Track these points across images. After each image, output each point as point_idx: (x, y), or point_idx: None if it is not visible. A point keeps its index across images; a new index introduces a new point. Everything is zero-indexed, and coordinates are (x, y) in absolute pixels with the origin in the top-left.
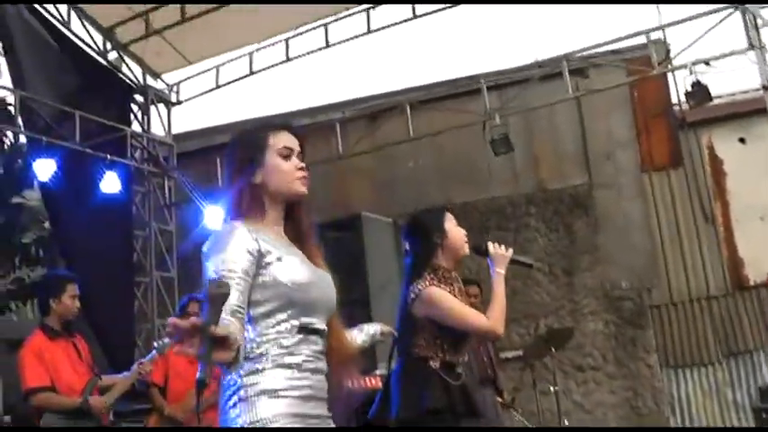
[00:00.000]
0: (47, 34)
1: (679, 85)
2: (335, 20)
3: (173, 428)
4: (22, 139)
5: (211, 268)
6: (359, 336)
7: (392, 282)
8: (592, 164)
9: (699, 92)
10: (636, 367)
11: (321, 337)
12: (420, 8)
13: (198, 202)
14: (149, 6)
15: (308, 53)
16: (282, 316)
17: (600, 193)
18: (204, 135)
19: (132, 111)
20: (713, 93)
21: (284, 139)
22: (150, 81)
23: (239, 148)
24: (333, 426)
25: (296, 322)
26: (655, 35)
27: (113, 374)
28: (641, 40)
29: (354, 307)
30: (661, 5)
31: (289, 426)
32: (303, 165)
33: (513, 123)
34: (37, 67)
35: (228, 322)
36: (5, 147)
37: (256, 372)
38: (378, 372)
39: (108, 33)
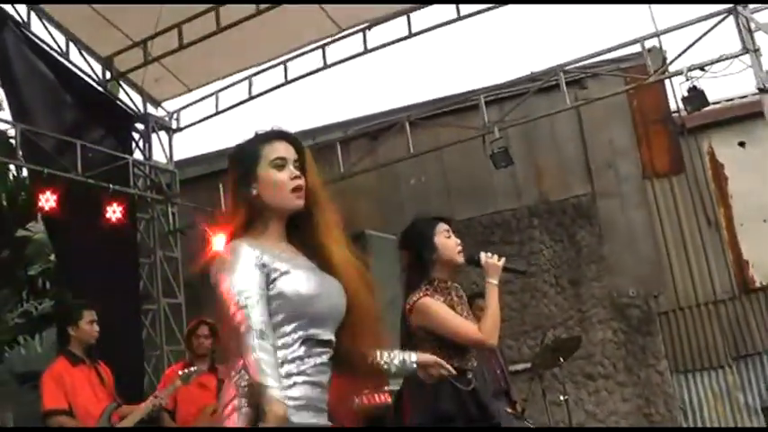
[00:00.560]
0: (44, 66)
1: (677, 92)
2: (333, 41)
3: (173, 429)
4: (25, 171)
5: (225, 293)
6: (389, 361)
7: (400, 298)
8: (594, 174)
9: (696, 97)
10: (646, 374)
11: (328, 347)
12: (416, 25)
13: (202, 228)
14: (147, 35)
15: (306, 74)
16: (288, 329)
17: (603, 202)
18: (206, 160)
19: (134, 139)
20: (712, 98)
21: (278, 149)
22: (151, 109)
23: (235, 162)
24: None
25: (301, 334)
26: (650, 43)
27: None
28: (637, 48)
29: None
30: (655, 13)
31: None
32: (298, 173)
33: (513, 137)
34: (37, 99)
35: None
36: (8, 180)
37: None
38: (387, 388)
39: (107, 62)
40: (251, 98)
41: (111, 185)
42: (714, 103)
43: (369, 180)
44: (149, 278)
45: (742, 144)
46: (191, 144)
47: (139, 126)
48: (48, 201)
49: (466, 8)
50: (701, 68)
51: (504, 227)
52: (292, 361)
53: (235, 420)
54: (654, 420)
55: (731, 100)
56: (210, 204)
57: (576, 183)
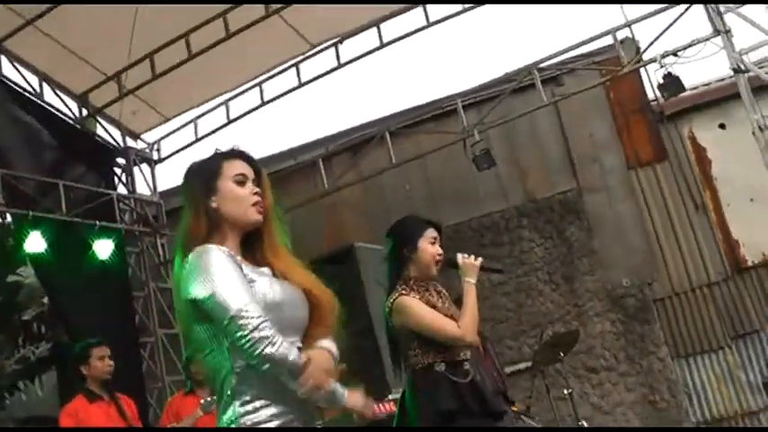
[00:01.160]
0: (19, 108)
1: (653, 80)
2: (305, 58)
3: (172, 428)
4: (9, 216)
5: (202, 293)
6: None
7: None
8: (578, 169)
9: (671, 83)
10: (648, 362)
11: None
12: (387, 35)
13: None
14: (120, 67)
15: (282, 94)
16: None
17: (589, 196)
18: None
19: (116, 174)
20: (689, 84)
21: (238, 167)
22: (130, 142)
23: (194, 176)
24: None
25: None
26: (622, 34)
27: None
28: (610, 40)
29: (359, 337)
30: (625, 5)
31: None
32: (258, 190)
33: (494, 139)
34: (14, 143)
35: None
36: None
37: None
38: (390, 397)
39: (82, 99)
40: (229, 122)
41: (97, 222)
42: (692, 89)
43: (354, 193)
44: (144, 311)
45: (722, 126)
46: (174, 173)
47: (120, 160)
48: (35, 244)
49: (435, 14)
50: (675, 54)
51: (493, 229)
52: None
53: None
54: (660, 408)
55: (708, 84)
56: None
57: (560, 179)
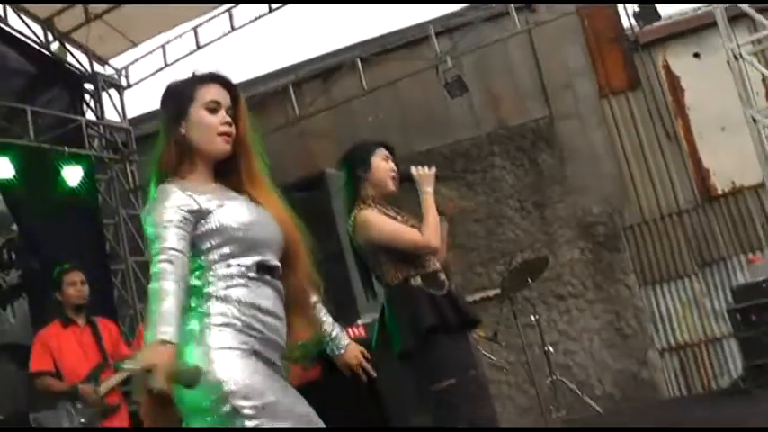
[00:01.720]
0: None
1: (629, 10)
2: None
3: (171, 428)
4: None
5: (150, 231)
6: (324, 319)
7: None
8: (550, 96)
9: (647, 11)
10: (615, 290)
11: (276, 274)
12: None
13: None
14: None
15: (252, 20)
16: (234, 259)
17: (561, 123)
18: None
19: (84, 100)
20: (665, 13)
21: (212, 92)
22: (98, 68)
23: (168, 100)
24: (280, 375)
25: (248, 261)
26: None
27: None
28: None
29: (330, 263)
30: None
31: (240, 358)
32: (229, 120)
33: (467, 66)
34: None
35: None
36: None
37: (219, 314)
38: (360, 322)
39: (47, 24)
40: (198, 48)
41: (66, 148)
42: (668, 18)
43: (325, 121)
44: (115, 238)
45: (697, 55)
46: (143, 100)
47: (88, 86)
48: (3, 170)
49: None
50: None
51: (465, 156)
52: (250, 288)
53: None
54: (626, 334)
55: (685, 14)
56: None
57: (533, 107)
